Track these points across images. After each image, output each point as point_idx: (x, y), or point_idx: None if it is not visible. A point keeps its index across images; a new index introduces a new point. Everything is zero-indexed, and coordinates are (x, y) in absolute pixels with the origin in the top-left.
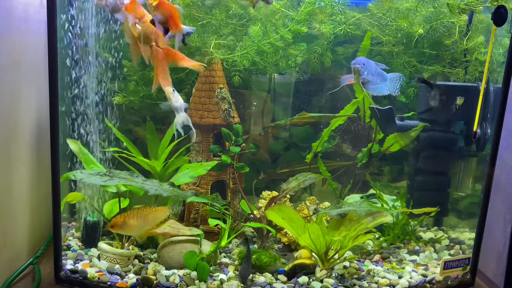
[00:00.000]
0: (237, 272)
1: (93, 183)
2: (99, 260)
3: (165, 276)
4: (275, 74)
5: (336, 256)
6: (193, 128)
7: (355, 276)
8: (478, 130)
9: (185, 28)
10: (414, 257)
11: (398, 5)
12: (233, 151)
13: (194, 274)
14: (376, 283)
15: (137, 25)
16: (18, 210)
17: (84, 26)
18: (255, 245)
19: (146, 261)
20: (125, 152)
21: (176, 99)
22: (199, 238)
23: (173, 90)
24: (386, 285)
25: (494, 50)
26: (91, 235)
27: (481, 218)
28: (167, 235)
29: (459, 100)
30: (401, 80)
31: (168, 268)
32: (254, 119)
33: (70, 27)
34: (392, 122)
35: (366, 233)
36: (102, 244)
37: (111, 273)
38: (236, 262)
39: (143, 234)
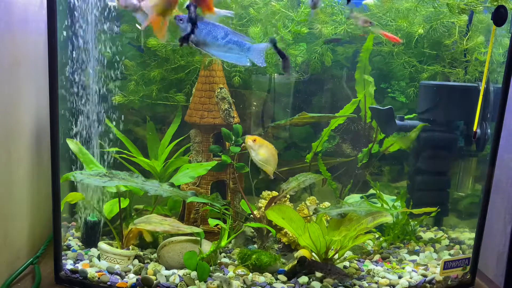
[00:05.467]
0: (237, 272)
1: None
2: (99, 260)
3: (165, 276)
4: (275, 74)
5: (336, 256)
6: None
7: (355, 276)
8: (478, 130)
9: (220, 11)
10: (414, 257)
11: (398, 5)
12: (233, 151)
13: (194, 274)
14: (376, 283)
15: None
16: (18, 210)
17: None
18: (255, 245)
19: (146, 261)
20: (125, 152)
21: None
22: (199, 238)
23: None
24: (386, 285)
25: (494, 50)
26: (91, 235)
27: (481, 218)
28: (167, 233)
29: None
30: (266, 48)
31: (168, 268)
32: (254, 119)
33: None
34: (392, 122)
35: (366, 233)
36: (102, 244)
37: (111, 273)
38: (236, 262)
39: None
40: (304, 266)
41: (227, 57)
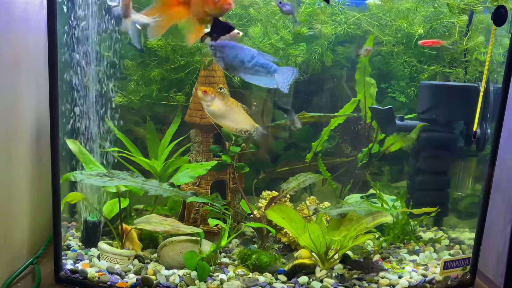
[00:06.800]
0: (237, 272)
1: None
2: (99, 260)
3: (165, 276)
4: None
5: (336, 256)
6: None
7: (355, 276)
8: (478, 130)
9: None
10: (414, 257)
11: (398, 5)
12: (233, 151)
13: (194, 274)
14: (376, 283)
15: None
16: (18, 210)
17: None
18: (255, 245)
19: (146, 261)
20: (125, 152)
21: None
22: (199, 238)
23: None
24: (386, 285)
25: (494, 50)
26: (91, 235)
27: (481, 218)
28: (167, 233)
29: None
30: (293, 75)
31: (168, 268)
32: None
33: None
34: (392, 122)
35: (366, 233)
36: (102, 244)
37: (111, 273)
38: (236, 262)
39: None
40: (347, 263)
41: (254, 79)
